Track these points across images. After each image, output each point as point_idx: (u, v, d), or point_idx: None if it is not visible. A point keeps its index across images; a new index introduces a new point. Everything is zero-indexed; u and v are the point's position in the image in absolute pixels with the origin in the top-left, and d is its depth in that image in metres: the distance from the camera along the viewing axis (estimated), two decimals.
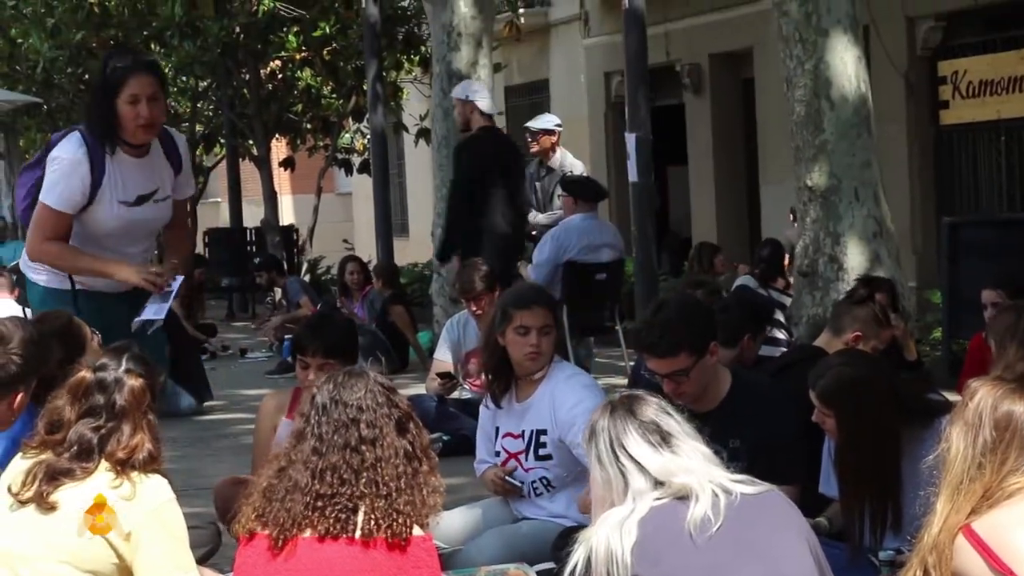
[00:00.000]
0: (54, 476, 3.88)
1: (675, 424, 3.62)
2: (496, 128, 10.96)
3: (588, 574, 3.44)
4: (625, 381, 9.14)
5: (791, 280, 10.78)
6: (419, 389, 9.71)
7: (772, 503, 3.60)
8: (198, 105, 24.33)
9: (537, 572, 4.99)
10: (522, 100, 22.04)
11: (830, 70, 9.34)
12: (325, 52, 20.72)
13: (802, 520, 3.66)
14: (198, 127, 24.87)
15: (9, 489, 3.92)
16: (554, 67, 21.87)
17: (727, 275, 12.55)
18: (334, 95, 21.71)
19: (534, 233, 11.46)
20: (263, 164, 21.81)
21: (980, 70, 14.56)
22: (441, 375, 8.94)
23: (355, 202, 28.67)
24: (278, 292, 18.44)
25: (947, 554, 3.23)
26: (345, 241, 24.21)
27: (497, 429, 5.81)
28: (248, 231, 22.87)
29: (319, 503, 3.67)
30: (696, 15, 17.93)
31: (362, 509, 3.67)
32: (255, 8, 19.90)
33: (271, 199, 21.97)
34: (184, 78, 22.99)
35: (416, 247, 21.80)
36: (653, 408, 3.63)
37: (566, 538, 3.79)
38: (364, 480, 3.68)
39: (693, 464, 3.55)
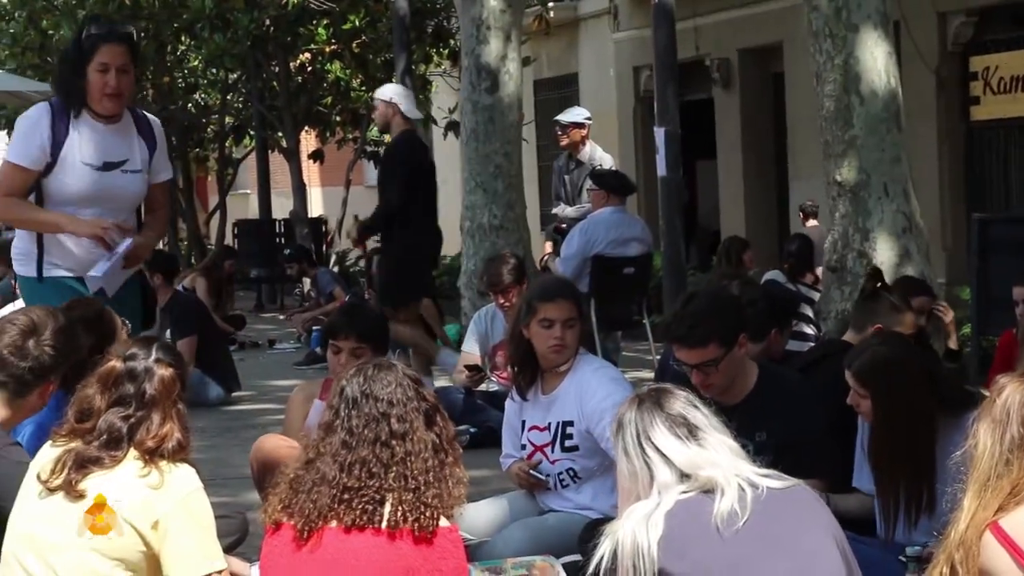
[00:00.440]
0: (83, 464, 3.90)
1: (702, 417, 3.62)
2: (416, 133, 10.94)
3: (614, 567, 3.45)
4: (652, 375, 9.14)
5: (820, 275, 10.75)
6: (446, 381, 9.73)
7: (799, 498, 3.60)
8: (228, 97, 24.41)
9: (563, 564, 4.99)
10: (551, 94, 22.03)
11: (860, 65, 9.30)
12: (354, 45, 20.75)
13: (829, 515, 3.65)
14: (228, 119, 24.95)
15: (38, 477, 3.94)
16: (583, 61, 21.84)
17: (756, 270, 12.52)
18: (363, 88, 21.73)
19: (563, 227, 11.46)
20: (292, 156, 21.85)
21: (1012, 66, 14.50)
22: (468, 367, 8.96)
23: None
24: (306, 283, 18.49)
25: (974, 551, 3.22)
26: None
27: (523, 423, 5.82)
28: (277, 223, 22.93)
29: (346, 495, 3.68)
30: (725, 10, 17.89)
31: (389, 501, 3.68)
32: (285, 1, 19.93)
33: (300, 191, 22.02)
34: (214, 70, 23.09)
35: (444, 240, 21.79)
36: (681, 401, 3.63)
37: (592, 531, 3.80)
38: (393, 474, 3.69)
39: (720, 458, 3.55)
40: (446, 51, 20.44)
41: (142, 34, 21.29)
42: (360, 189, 28.54)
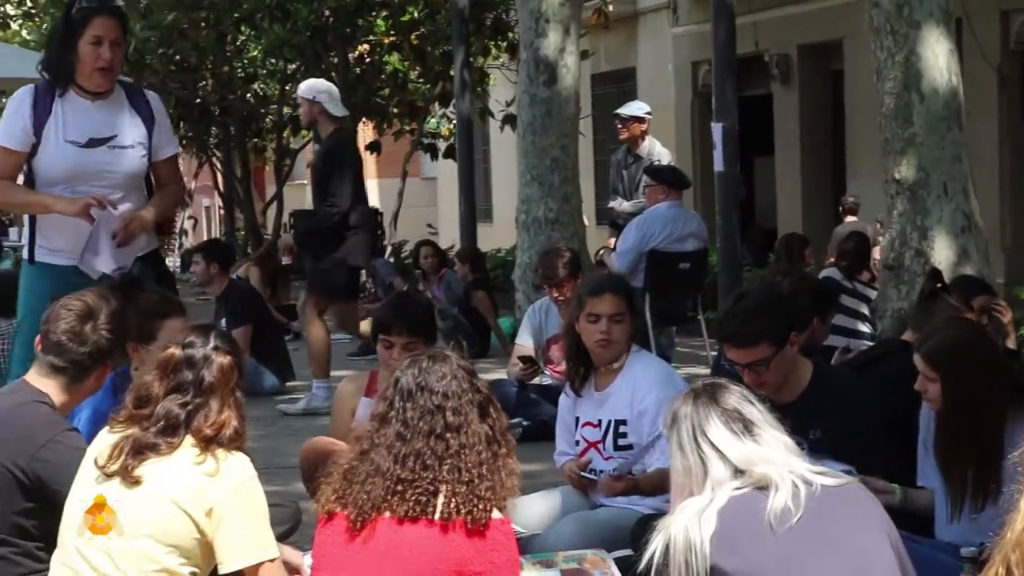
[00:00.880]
0: (140, 450, 3.92)
1: (757, 413, 3.60)
2: (346, 131, 10.84)
3: (666, 563, 3.44)
4: (706, 371, 9.11)
5: (876, 273, 10.69)
6: (500, 374, 9.73)
7: (853, 496, 3.58)
8: (286, 88, 24.49)
9: (614, 559, 4.98)
10: (609, 88, 21.99)
11: (921, 62, 9.23)
12: (413, 37, 20.78)
13: (883, 513, 3.63)
14: (286, 109, 25.04)
15: (95, 462, 3.97)
16: (641, 55, 21.80)
17: (813, 267, 12.46)
18: (421, 80, 21.78)
19: (620, 221, 11.45)
20: None
21: None
22: (523, 360, 8.96)
23: (440, 187, 28.75)
24: (362, 273, 18.52)
25: None
26: (429, 226, 24.29)
27: (577, 419, 5.82)
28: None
29: (399, 487, 3.68)
30: (785, 5, 17.82)
31: (442, 493, 3.68)
32: None
33: None
34: (273, 61, 23.16)
35: (500, 233, 21.83)
36: (736, 396, 3.62)
37: (644, 526, 3.79)
38: (447, 467, 3.69)
39: (774, 454, 3.53)
40: (504, 44, 20.44)
41: (203, 24, 21.46)
42: (416, 181, 28.62)
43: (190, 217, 34.29)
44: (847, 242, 11.12)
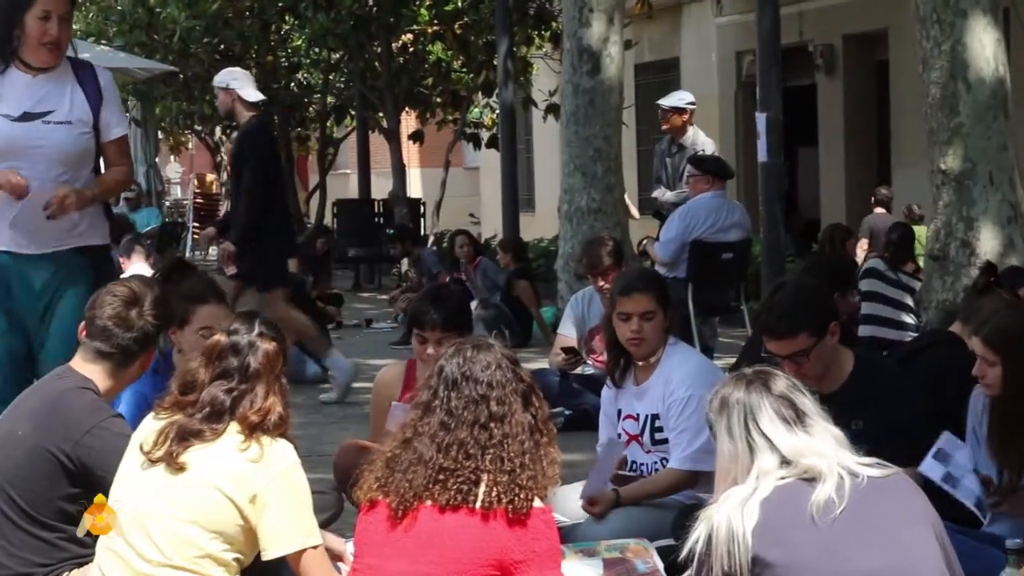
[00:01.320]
0: (184, 437, 3.94)
1: (809, 403, 3.59)
2: (265, 117, 10.74)
3: (708, 552, 3.44)
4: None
5: (921, 264, 10.64)
6: (542, 364, 9.73)
7: (898, 487, 3.57)
8: (330, 77, 24.56)
9: (656, 548, 4.98)
10: (652, 78, 21.93)
11: (967, 52, 9.18)
12: (456, 26, 20.79)
13: (927, 505, 3.61)
14: (329, 99, 25.11)
15: (141, 448, 4.00)
16: (685, 45, 21.72)
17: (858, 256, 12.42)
18: (464, 69, 21.78)
19: (663, 211, 11.42)
20: (392, 137, 21.94)
21: None
22: (565, 350, 8.95)
23: (482, 176, 28.74)
24: (404, 264, 18.56)
25: None
26: (471, 215, 24.31)
27: (619, 411, 5.82)
28: (376, 203, 23.04)
29: (441, 476, 3.70)
30: None
31: (484, 482, 3.69)
32: None
33: (399, 171, 22.11)
34: (317, 50, 23.21)
35: (542, 222, 21.80)
36: (785, 383, 3.61)
37: (687, 515, 3.78)
38: (490, 456, 3.70)
39: (824, 447, 3.51)
40: (548, 33, 20.41)
41: (247, 13, 21.52)
42: (459, 170, 28.63)
43: None
44: (891, 233, 11.06)
